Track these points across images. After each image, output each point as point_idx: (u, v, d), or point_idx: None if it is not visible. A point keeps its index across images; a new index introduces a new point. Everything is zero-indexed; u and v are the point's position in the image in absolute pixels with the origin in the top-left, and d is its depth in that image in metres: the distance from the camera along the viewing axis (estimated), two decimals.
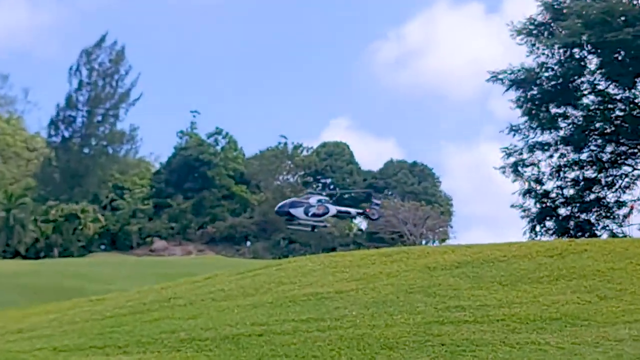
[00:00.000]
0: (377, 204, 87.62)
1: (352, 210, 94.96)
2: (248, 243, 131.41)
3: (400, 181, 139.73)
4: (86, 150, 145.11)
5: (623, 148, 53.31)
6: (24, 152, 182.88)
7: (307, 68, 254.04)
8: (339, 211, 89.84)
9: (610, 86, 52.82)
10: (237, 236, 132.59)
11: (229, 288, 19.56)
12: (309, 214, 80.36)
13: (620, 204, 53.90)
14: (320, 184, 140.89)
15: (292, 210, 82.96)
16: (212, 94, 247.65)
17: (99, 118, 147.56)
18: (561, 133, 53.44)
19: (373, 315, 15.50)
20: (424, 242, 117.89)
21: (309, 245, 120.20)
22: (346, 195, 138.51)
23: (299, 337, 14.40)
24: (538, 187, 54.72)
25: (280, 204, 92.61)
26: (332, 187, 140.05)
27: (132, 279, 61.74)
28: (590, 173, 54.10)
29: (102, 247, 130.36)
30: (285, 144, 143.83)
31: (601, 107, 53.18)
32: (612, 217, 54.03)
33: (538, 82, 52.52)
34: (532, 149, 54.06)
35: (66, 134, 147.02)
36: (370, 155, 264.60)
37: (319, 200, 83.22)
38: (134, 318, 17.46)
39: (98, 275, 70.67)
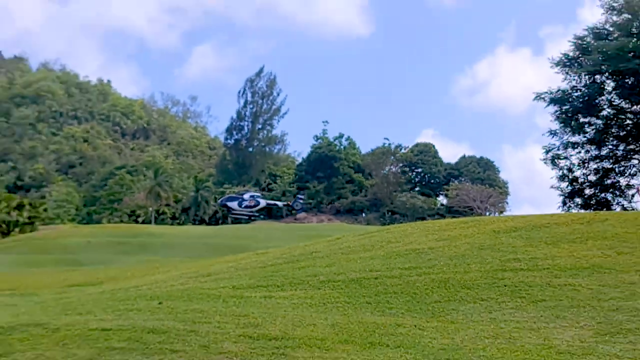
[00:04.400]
0: (300, 198, 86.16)
1: (279, 203, 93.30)
2: (363, 214, 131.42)
3: (471, 171, 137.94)
4: (250, 149, 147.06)
5: (631, 146, 53.02)
6: (207, 150, 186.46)
7: (407, 92, 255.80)
8: (268, 204, 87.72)
9: (622, 102, 52.29)
10: (355, 209, 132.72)
11: (353, 245, 19.68)
12: (242, 206, 78.58)
13: (629, 187, 53.71)
14: (414, 173, 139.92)
15: (229, 203, 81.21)
16: (337, 108, 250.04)
17: (259, 126, 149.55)
18: (587, 136, 53.28)
19: (455, 265, 15.54)
20: (487, 213, 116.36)
21: (406, 215, 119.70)
22: (433, 181, 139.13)
23: (403, 279, 14.50)
24: (569, 174, 54.40)
25: (221, 198, 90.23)
26: (422, 174, 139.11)
27: (284, 239, 62.31)
28: (607, 164, 53.62)
29: (262, 217, 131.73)
30: (390, 144, 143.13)
31: (616, 117, 52.77)
32: (623, 196, 53.75)
33: (570, 99, 52.42)
34: (565, 147, 53.91)
35: (237, 138, 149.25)
36: (449, 153, 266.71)
37: (252, 196, 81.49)
38: (288, 266, 17.63)
39: (259, 236, 71.79)
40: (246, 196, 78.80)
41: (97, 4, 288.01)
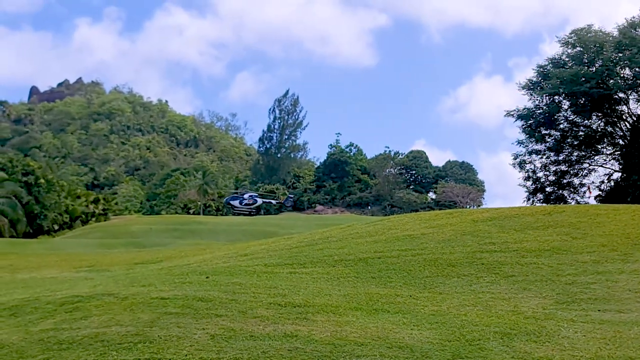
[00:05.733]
0: (290, 198, 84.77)
1: (273, 201, 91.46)
2: (369, 207, 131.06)
3: (454, 172, 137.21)
4: (278, 155, 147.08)
5: (583, 153, 52.97)
6: (244, 156, 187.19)
7: (403, 109, 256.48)
8: (264, 201, 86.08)
9: (576, 118, 52.21)
10: (362, 203, 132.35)
11: (360, 231, 19.62)
12: (242, 204, 77.59)
13: (581, 185, 53.69)
14: (409, 174, 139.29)
15: (232, 202, 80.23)
16: (348, 122, 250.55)
17: (286, 137, 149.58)
18: (547, 145, 53.17)
19: (442, 247, 15.48)
20: (468, 206, 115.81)
21: (402, 208, 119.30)
22: (424, 181, 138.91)
23: (401, 259, 14.47)
24: (533, 175, 54.33)
25: (226, 198, 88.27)
26: (416, 175, 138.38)
27: (305, 227, 62.38)
28: (564, 167, 53.59)
29: (289, 209, 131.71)
30: (390, 151, 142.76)
31: (570, 130, 52.68)
32: (577, 193, 53.68)
33: (533, 116, 52.32)
34: (530, 153, 53.87)
35: (268, 146, 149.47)
36: (437, 158, 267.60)
37: (250, 195, 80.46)
38: (308, 248, 17.60)
39: (285, 225, 71.73)
40: (246, 196, 78.74)
41: (159, 41, 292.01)
